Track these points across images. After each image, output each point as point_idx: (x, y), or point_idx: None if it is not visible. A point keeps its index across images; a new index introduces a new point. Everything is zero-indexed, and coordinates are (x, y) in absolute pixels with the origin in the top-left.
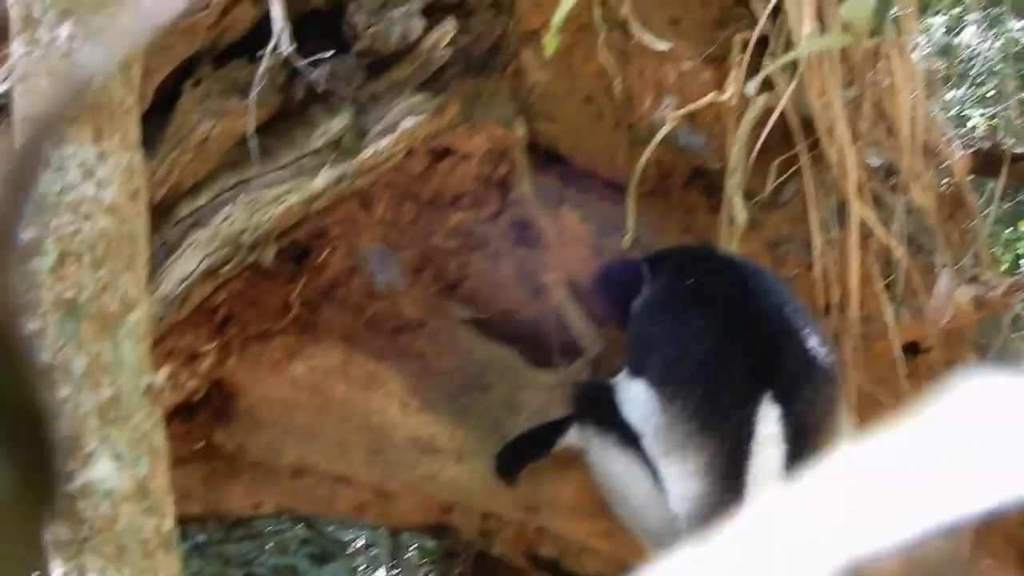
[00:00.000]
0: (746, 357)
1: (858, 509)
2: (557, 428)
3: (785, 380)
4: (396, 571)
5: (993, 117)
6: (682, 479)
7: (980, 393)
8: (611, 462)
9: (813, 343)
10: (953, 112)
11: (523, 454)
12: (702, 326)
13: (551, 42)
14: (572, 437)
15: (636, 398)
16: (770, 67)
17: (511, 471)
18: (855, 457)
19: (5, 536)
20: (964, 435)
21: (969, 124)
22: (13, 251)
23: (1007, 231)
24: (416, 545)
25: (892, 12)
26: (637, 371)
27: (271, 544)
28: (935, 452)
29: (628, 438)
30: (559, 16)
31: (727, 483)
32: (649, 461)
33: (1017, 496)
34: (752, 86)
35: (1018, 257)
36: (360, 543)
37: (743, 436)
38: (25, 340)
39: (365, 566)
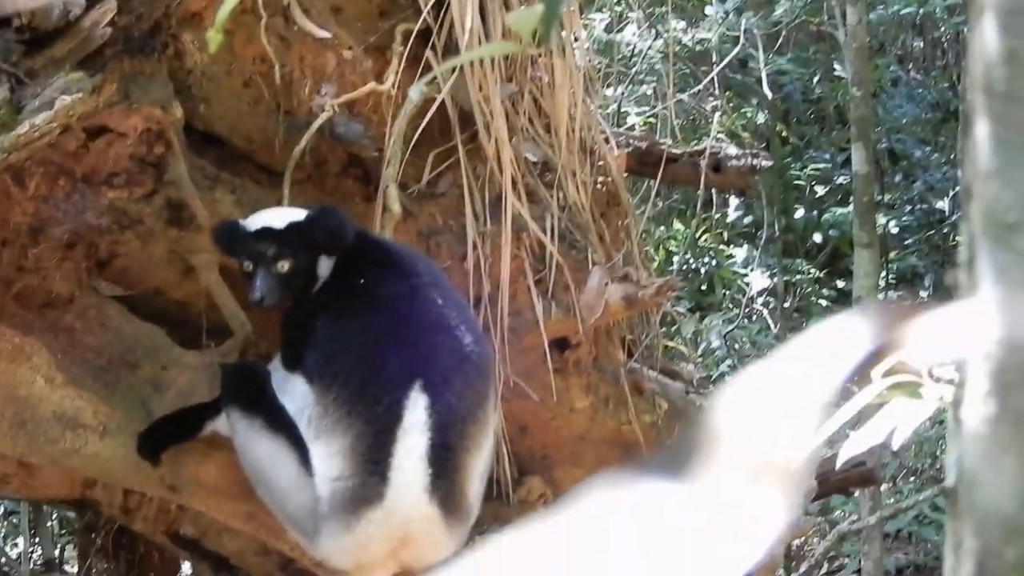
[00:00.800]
0: (400, 349)
1: None
2: (204, 412)
3: (436, 371)
4: (35, 540)
5: (651, 116)
6: (327, 459)
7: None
8: (257, 444)
9: (468, 337)
10: (611, 109)
11: (167, 436)
12: (362, 324)
13: (214, 38)
14: (220, 422)
15: (292, 391)
16: (433, 73)
17: (154, 452)
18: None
19: None
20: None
21: (627, 122)
22: None
23: (659, 229)
24: (56, 516)
25: (557, 22)
26: (293, 365)
27: None
28: None
29: (276, 421)
30: (224, 12)
31: (370, 466)
32: (298, 445)
33: None
34: (415, 93)
35: (670, 255)
36: (0, 511)
37: (389, 421)
38: None
39: (3, 534)
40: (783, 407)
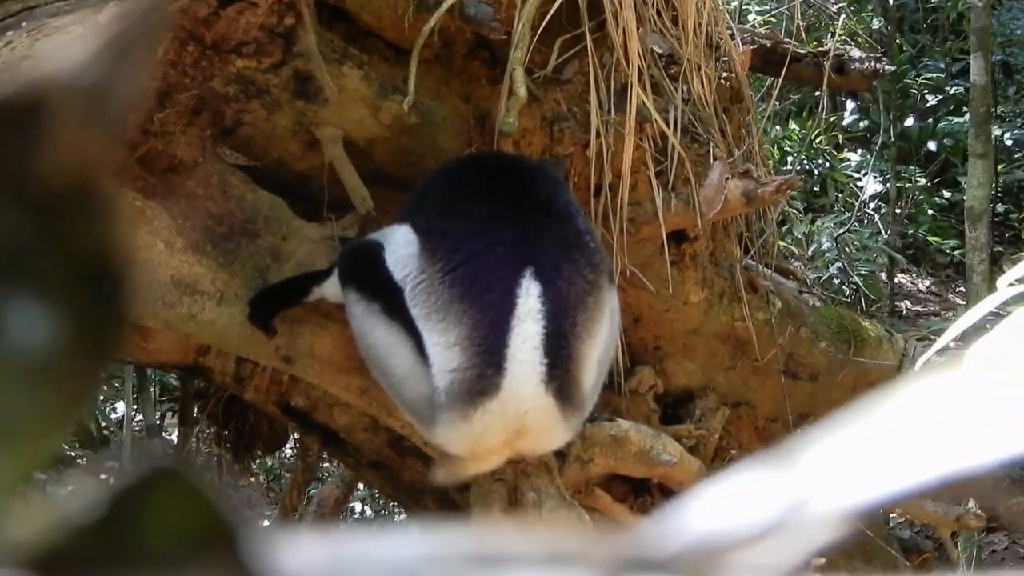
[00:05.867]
0: (511, 232)
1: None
2: (313, 278)
3: (546, 259)
4: (135, 406)
5: (772, 15)
6: (443, 350)
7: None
8: (374, 329)
9: (577, 229)
10: (732, 7)
11: (275, 300)
12: (475, 193)
13: None
14: (327, 288)
15: (398, 240)
16: None
17: (262, 316)
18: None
19: (55, 388)
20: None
21: (750, 20)
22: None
23: (775, 129)
24: (158, 382)
25: None
26: (404, 218)
27: None
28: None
29: (394, 307)
30: None
31: (486, 356)
32: (412, 330)
33: None
34: None
35: (784, 156)
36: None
37: (504, 309)
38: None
39: (104, 398)
40: None
